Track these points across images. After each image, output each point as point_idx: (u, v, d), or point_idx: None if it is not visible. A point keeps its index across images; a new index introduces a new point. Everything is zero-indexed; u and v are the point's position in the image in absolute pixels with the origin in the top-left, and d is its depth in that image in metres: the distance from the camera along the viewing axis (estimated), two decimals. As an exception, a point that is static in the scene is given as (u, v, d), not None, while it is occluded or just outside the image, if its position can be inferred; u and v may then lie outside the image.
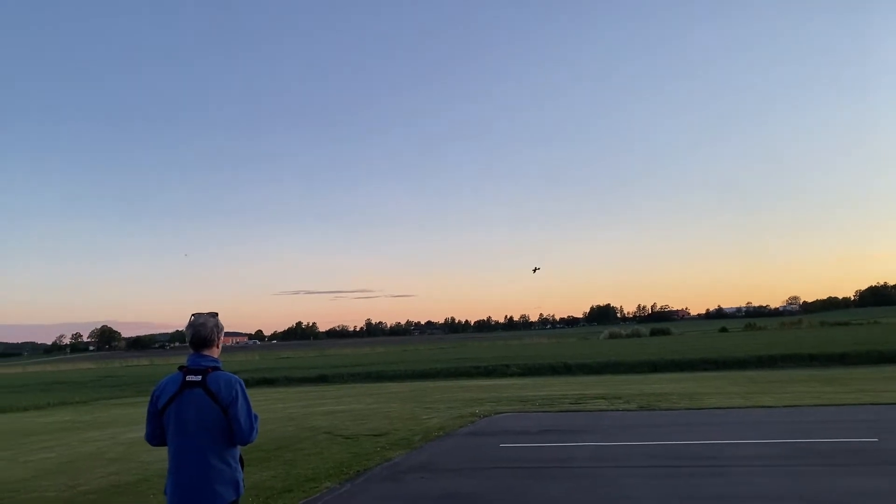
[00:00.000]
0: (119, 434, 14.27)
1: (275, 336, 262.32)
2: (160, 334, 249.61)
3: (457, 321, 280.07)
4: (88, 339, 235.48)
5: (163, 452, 10.25)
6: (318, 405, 18.93)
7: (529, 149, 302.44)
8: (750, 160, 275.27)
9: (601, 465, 8.41)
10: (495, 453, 9.71)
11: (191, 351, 3.76)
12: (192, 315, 3.78)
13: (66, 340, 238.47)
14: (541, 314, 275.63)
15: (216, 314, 3.86)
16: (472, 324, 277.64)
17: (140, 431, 14.20)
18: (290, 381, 32.81)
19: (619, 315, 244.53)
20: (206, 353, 3.73)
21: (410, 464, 9.09)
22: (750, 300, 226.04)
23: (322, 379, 32.97)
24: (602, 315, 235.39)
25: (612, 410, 14.04)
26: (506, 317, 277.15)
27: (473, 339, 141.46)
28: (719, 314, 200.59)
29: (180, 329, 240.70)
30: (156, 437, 3.76)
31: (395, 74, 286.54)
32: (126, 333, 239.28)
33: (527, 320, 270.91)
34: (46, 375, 62.51)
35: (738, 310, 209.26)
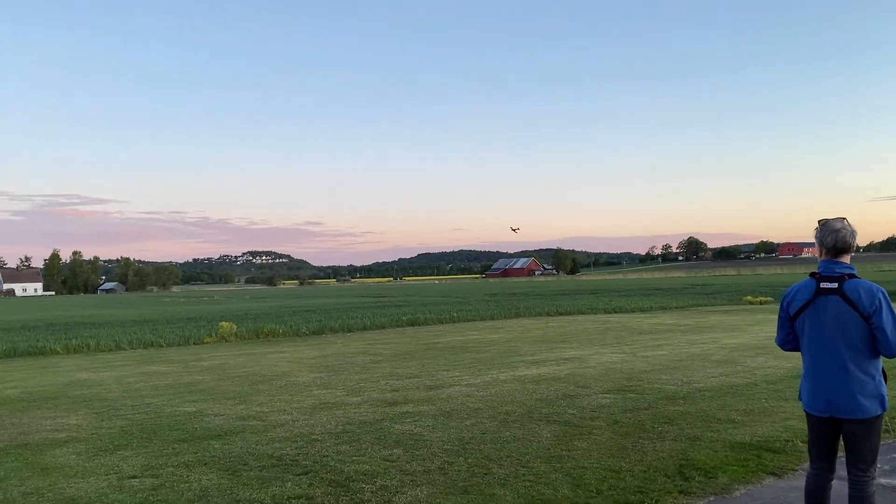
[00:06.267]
0: (720, 339, 14.94)
1: (870, 247, 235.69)
2: (745, 245, 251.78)
3: None
4: (677, 250, 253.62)
5: (768, 360, 10.41)
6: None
7: None
8: None
9: None
10: None
11: (821, 258, 3.63)
12: (821, 221, 3.62)
13: (658, 251, 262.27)
14: None
15: (845, 219, 3.61)
16: None
17: (740, 338, 14.70)
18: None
19: None
20: (841, 259, 3.54)
21: None
22: None
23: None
24: None
25: None
26: None
27: None
28: None
29: (765, 240, 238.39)
30: (788, 342, 3.79)
31: None
32: (711, 245, 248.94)
33: None
34: (643, 282, 69.79)
35: None
